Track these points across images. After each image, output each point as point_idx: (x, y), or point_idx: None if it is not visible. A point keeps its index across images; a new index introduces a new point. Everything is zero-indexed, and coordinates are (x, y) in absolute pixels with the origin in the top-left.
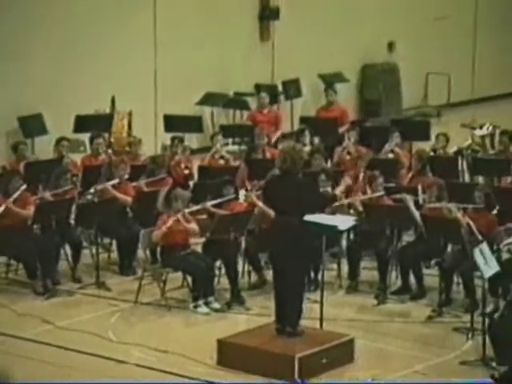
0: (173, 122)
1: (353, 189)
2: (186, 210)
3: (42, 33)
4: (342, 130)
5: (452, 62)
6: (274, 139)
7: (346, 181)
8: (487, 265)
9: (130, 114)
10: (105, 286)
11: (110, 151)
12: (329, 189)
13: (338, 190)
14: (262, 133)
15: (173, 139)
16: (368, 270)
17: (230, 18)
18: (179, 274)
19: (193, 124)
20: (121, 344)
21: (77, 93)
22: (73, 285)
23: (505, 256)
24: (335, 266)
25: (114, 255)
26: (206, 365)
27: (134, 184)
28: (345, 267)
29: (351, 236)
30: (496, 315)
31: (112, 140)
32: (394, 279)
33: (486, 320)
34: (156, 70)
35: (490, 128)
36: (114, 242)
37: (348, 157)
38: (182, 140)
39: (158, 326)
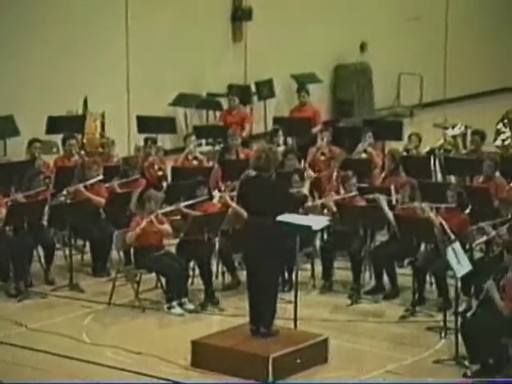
0: (146, 123)
1: (321, 182)
2: (160, 211)
3: (14, 34)
4: (314, 130)
5: (424, 62)
6: (240, 140)
7: (309, 174)
8: (460, 264)
9: (102, 115)
10: (78, 287)
11: (82, 152)
12: (303, 189)
13: (305, 188)
14: (236, 133)
15: (146, 140)
16: (342, 270)
17: (202, 19)
18: (153, 275)
19: (166, 125)
20: (94, 346)
21: (49, 94)
22: (46, 287)
23: (477, 255)
24: (309, 266)
25: (88, 257)
26: (180, 366)
27: (107, 185)
28: (318, 267)
29: (325, 236)
30: (469, 314)
31: (85, 141)
32: (368, 279)
33: (459, 319)
34: (129, 71)
35: (462, 128)
36: (88, 244)
37: (322, 157)
38: (155, 141)
39: (131, 328)
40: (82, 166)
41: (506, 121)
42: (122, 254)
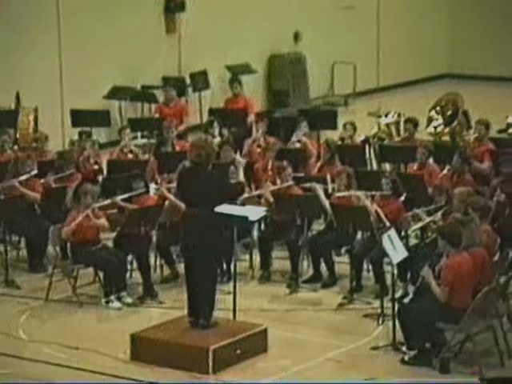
0: (80, 117)
1: (257, 178)
2: (96, 205)
3: None
4: (249, 120)
5: (357, 51)
6: (177, 132)
7: (239, 160)
8: (396, 251)
9: (35, 110)
10: (14, 284)
11: (15, 148)
12: (239, 177)
13: (240, 176)
14: (171, 126)
15: (80, 134)
16: (280, 260)
17: (135, 11)
18: (90, 270)
19: (100, 118)
20: (32, 342)
21: None
22: None
23: (412, 242)
24: (247, 256)
25: (23, 253)
26: (120, 360)
27: (42, 180)
28: (257, 258)
29: (262, 226)
30: (405, 300)
31: (18, 136)
32: (306, 268)
33: (396, 305)
34: (61, 64)
35: (395, 116)
36: (23, 240)
37: (258, 149)
38: (89, 135)
39: (69, 323)
40: (15, 162)
41: (438, 108)
42: (58, 249)
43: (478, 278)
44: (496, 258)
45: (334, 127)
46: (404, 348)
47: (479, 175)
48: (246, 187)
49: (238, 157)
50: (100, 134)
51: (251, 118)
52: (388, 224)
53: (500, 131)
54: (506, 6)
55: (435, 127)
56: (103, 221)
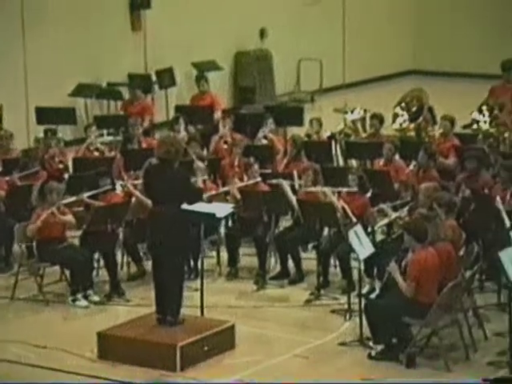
0: (45, 115)
1: (223, 175)
2: (62, 202)
3: None
4: (216, 117)
5: (323, 47)
6: (141, 130)
7: (200, 167)
8: (362, 246)
9: (0, 108)
10: None
11: None
12: (205, 177)
13: (199, 181)
14: (137, 123)
15: (46, 132)
16: (247, 257)
17: (100, 8)
18: (57, 268)
19: (66, 116)
20: None
21: None
22: None
23: (379, 237)
24: (214, 253)
25: None
26: (87, 358)
27: (6, 178)
28: (224, 254)
29: (229, 223)
30: (372, 296)
31: None
32: (273, 264)
33: (363, 301)
34: (26, 62)
35: (361, 112)
36: None
37: (225, 146)
38: (55, 132)
39: (36, 322)
40: None
41: (403, 104)
42: (24, 247)
43: (444, 273)
44: (461, 252)
45: (300, 123)
46: (371, 343)
47: (444, 171)
48: (207, 190)
49: (198, 163)
50: (65, 132)
51: (218, 114)
52: (354, 220)
53: (465, 127)
54: (470, 3)
55: (401, 123)
56: (70, 217)
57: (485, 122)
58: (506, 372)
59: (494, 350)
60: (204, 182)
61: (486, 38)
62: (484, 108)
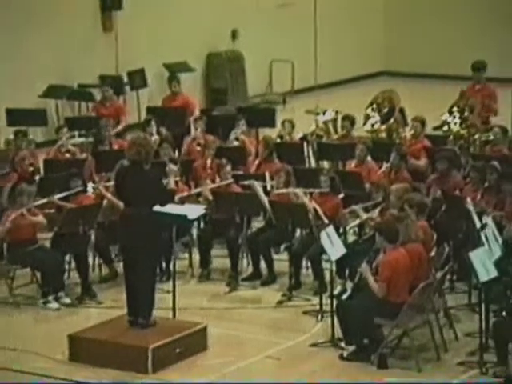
0: (16, 116)
1: (196, 176)
2: (33, 204)
3: None
4: (191, 119)
5: (295, 49)
6: (115, 131)
7: (172, 169)
8: (334, 247)
9: None
10: None
11: None
12: (177, 178)
13: (171, 183)
14: (108, 124)
15: (16, 133)
16: (219, 258)
17: (71, 9)
18: (27, 270)
19: (36, 117)
20: None
21: None
22: None
23: (351, 238)
24: (186, 255)
25: None
26: (58, 361)
27: None
28: (196, 256)
29: (201, 225)
30: (344, 297)
31: None
32: (245, 266)
33: (335, 302)
34: None
35: (332, 113)
36: None
37: (198, 148)
38: (25, 134)
39: (6, 324)
40: None
41: (374, 106)
42: None
43: (415, 274)
44: (432, 253)
45: (272, 125)
46: (343, 344)
47: (415, 172)
48: (179, 192)
49: (171, 165)
50: (36, 134)
51: (196, 115)
52: (326, 221)
53: (435, 128)
54: (441, 4)
55: (372, 124)
56: (40, 218)
57: (455, 123)
58: (476, 372)
59: (464, 351)
60: (176, 183)
61: (457, 40)
62: (454, 109)
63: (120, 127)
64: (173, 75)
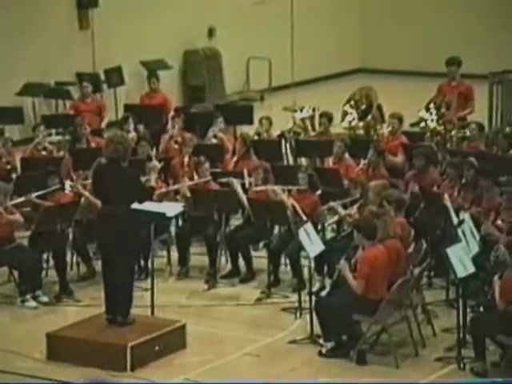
0: None
1: (174, 174)
2: (10, 203)
3: None
4: (170, 116)
5: (272, 46)
6: (100, 128)
7: (155, 166)
8: (312, 244)
9: None
10: None
11: None
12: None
13: (152, 180)
14: (84, 122)
15: None
16: (198, 256)
17: (47, 6)
18: (5, 269)
19: (13, 115)
20: None
21: None
22: None
23: (329, 235)
24: (165, 253)
25: None
26: (36, 360)
27: None
28: (174, 254)
29: (180, 222)
30: (322, 294)
31: None
32: (224, 263)
33: (313, 299)
34: None
35: (310, 110)
36: None
37: (176, 146)
38: (2, 132)
39: None
40: None
41: (352, 102)
42: None
43: (393, 270)
44: (410, 249)
45: (250, 122)
46: (321, 341)
47: (393, 168)
48: (157, 189)
49: (154, 161)
50: (13, 132)
51: (171, 113)
52: (305, 218)
53: (412, 125)
54: (415, 2)
55: (350, 121)
56: (17, 216)
57: (432, 120)
58: (454, 368)
59: (442, 346)
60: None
61: (433, 36)
62: (431, 106)
63: (104, 123)
64: (152, 72)
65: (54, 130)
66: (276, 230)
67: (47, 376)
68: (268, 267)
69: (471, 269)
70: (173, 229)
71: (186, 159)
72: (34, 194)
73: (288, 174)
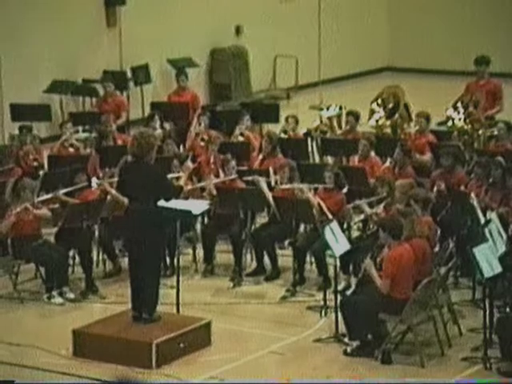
0: (20, 111)
1: (200, 171)
2: (38, 199)
3: None
4: (196, 115)
5: (299, 44)
6: (115, 126)
7: (188, 166)
8: (338, 243)
9: None
10: None
11: None
12: (181, 174)
13: (182, 180)
14: (109, 120)
15: (21, 129)
16: (223, 253)
17: (75, 4)
18: (32, 266)
19: (41, 112)
20: None
21: None
22: None
23: (355, 234)
24: (190, 250)
25: None
26: (62, 356)
27: None
28: (200, 251)
29: (205, 220)
30: (348, 292)
31: None
32: (249, 261)
33: (339, 297)
34: (0, 58)
35: (337, 109)
36: None
37: (202, 143)
38: (30, 129)
39: (10, 320)
40: None
41: (379, 101)
42: None
43: (419, 269)
44: (436, 249)
45: (276, 120)
46: (346, 340)
47: (420, 167)
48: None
49: (188, 162)
50: (41, 129)
51: (198, 111)
52: (330, 216)
53: (440, 124)
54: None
55: (377, 120)
56: (45, 210)
57: (459, 119)
58: (480, 368)
59: (468, 346)
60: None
61: (462, 35)
62: (459, 105)
63: (119, 122)
64: (181, 70)
65: (80, 128)
66: (301, 228)
67: (73, 372)
68: (293, 265)
69: (498, 269)
70: (198, 226)
71: (212, 157)
72: (61, 191)
73: (314, 172)
